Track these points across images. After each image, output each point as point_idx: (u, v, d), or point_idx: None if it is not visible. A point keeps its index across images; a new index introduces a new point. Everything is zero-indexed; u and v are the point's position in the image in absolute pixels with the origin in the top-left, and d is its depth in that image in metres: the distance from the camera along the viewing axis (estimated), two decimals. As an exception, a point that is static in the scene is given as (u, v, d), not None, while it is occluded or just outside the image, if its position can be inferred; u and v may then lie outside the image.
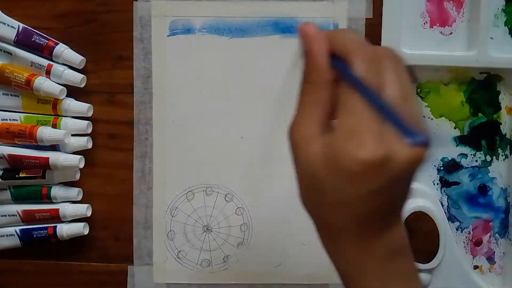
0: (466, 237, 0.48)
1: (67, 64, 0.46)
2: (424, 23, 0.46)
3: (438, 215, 0.46)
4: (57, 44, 0.45)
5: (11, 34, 0.45)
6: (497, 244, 0.48)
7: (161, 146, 0.47)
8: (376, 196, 0.23)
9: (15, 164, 0.45)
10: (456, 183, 0.47)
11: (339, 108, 0.23)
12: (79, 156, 0.45)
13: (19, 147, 0.45)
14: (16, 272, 0.48)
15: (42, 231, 0.46)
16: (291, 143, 0.25)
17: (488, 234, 0.48)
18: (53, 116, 0.46)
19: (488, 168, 0.47)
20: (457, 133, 0.47)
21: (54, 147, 0.45)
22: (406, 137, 0.22)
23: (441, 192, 0.47)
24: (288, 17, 0.46)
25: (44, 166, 0.45)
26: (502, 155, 0.47)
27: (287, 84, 0.46)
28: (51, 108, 0.45)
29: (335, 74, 0.24)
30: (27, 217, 0.46)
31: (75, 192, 0.46)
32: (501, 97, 0.47)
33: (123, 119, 0.47)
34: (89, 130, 0.47)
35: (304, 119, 0.25)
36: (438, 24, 0.46)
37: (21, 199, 0.46)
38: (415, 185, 0.47)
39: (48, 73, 0.45)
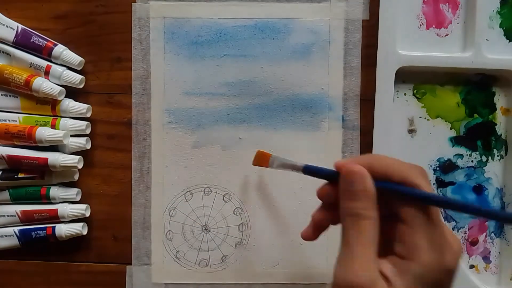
0: (462, 236, 0.48)
1: (66, 65, 0.46)
2: (420, 25, 0.47)
3: (435, 215, 0.46)
4: (56, 45, 0.45)
5: (10, 35, 0.45)
6: (493, 244, 0.48)
7: (160, 147, 0.47)
8: None
9: (14, 165, 0.45)
10: (452, 183, 0.48)
11: (413, 228, 0.25)
12: (78, 157, 0.46)
13: (18, 147, 0.45)
14: (15, 272, 0.48)
15: (41, 232, 0.46)
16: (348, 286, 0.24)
17: (484, 233, 0.48)
18: (52, 117, 0.46)
19: (483, 168, 0.48)
20: (453, 133, 0.48)
21: (53, 148, 0.46)
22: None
23: (437, 192, 0.48)
24: (285, 19, 0.46)
25: (43, 167, 0.45)
26: (498, 156, 0.48)
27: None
28: (50, 108, 0.46)
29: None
30: (25, 217, 0.46)
31: (74, 193, 0.47)
32: (496, 98, 0.48)
33: (121, 120, 0.47)
34: (88, 131, 0.47)
35: (358, 257, 0.24)
36: (434, 26, 0.47)
37: (20, 200, 0.46)
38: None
39: (47, 74, 0.45)
